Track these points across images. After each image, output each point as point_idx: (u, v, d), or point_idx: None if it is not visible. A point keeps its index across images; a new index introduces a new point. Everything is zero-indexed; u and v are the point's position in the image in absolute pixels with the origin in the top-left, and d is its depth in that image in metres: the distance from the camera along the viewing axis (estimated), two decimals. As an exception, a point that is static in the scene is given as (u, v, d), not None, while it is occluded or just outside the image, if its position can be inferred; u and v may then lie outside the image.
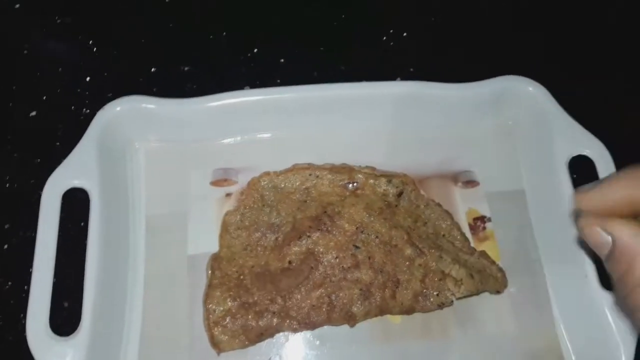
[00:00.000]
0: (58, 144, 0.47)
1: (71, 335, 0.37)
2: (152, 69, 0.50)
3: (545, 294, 0.43)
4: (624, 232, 0.27)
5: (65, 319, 0.38)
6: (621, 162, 0.43)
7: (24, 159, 0.46)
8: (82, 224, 0.42)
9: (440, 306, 0.41)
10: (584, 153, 0.44)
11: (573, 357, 0.41)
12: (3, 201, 0.45)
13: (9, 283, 0.42)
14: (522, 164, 0.47)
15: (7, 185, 0.45)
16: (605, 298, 0.39)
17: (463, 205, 0.46)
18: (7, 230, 0.44)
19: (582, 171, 0.44)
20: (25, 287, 0.39)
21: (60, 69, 0.50)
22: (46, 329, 0.36)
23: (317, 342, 0.41)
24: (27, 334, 0.36)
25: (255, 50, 0.52)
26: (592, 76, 0.52)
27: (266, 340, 0.40)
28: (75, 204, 0.41)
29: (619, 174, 0.29)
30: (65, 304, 0.40)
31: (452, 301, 0.41)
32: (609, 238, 0.27)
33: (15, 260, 0.42)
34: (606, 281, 0.40)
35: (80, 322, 0.37)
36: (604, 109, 0.49)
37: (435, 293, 0.41)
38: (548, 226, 0.44)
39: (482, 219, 0.45)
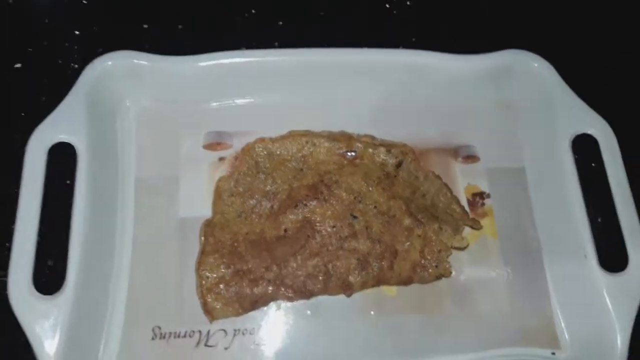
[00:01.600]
0: (44, 98, 0.44)
1: (55, 294, 0.35)
2: (145, 26, 0.48)
3: (541, 273, 0.43)
4: None
5: (49, 277, 0.36)
6: (625, 142, 0.42)
7: (7, 112, 0.44)
8: (68, 181, 0.39)
9: (439, 277, 0.40)
10: (588, 132, 0.43)
11: (566, 336, 0.41)
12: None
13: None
14: (524, 141, 0.46)
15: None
16: (604, 278, 0.39)
17: (462, 180, 0.45)
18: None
19: (584, 151, 0.43)
20: (7, 244, 0.36)
21: (46, 21, 0.48)
22: (29, 287, 0.34)
23: (310, 312, 0.40)
24: (9, 292, 0.34)
25: (253, 11, 0.50)
26: (599, 54, 0.52)
27: (259, 309, 0.39)
28: (62, 161, 0.39)
29: None
30: (50, 263, 0.38)
31: (451, 272, 0.40)
32: None
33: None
34: (605, 262, 0.40)
35: (65, 281, 0.35)
36: (610, 88, 0.48)
37: (434, 264, 0.40)
38: (548, 205, 0.44)
39: (482, 195, 0.44)
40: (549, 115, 0.44)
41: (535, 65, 0.45)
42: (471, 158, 0.45)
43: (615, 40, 0.53)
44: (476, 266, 0.42)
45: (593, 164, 0.43)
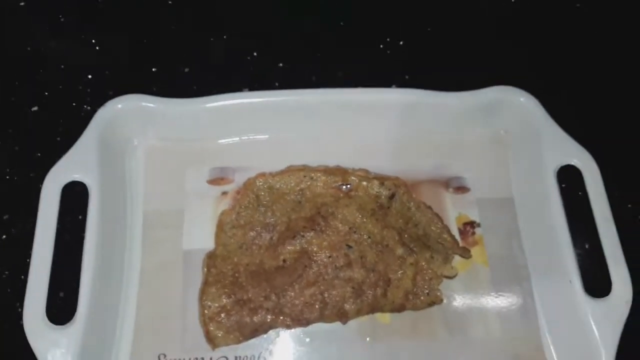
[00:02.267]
0: (59, 139, 0.47)
1: (67, 324, 0.37)
2: (153, 69, 0.51)
3: (531, 300, 0.44)
4: None
5: (61, 308, 0.38)
6: (608, 172, 0.44)
7: (24, 152, 0.47)
8: (80, 217, 0.42)
9: (431, 304, 0.42)
10: (572, 163, 0.45)
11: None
12: (3, 193, 0.46)
13: (6, 272, 0.43)
14: (512, 172, 0.48)
15: (8, 177, 0.46)
16: (588, 304, 0.40)
17: (453, 210, 0.47)
18: (6, 220, 0.45)
19: (570, 181, 0.45)
20: (22, 276, 0.39)
21: (62, 66, 0.51)
22: (43, 317, 0.37)
23: (308, 340, 0.41)
24: (24, 321, 0.36)
25: (255, 54, 0.53)
26: (583, 88, 0.54)
27: (259, 337, 0.41)
28: (74, 198, 0.41)
29: None
30: (62, 295, 0.41)
31: (442, 300, 0.42)
32: None
33: (13, 250, 0.43)
34: (590, 288, 0.41)
35: (76, 312, 0.37)
36: (593, 121, 0.51)
37: (426, 292, 0.42)
38: (535, 233, 0.46)
39: (472, 224, 0.46)
40: (536, 147, 0.46)
41: (522, 100, 0.47)
42: (462, 189, 0.48)
43: (597, 76, 0.55)
44: (468, 293, 0.44)
45: (580, 193, 0.45)
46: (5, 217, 0.45)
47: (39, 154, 0.47)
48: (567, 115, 0.47)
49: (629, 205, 0.49)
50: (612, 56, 0.56)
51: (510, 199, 0.48)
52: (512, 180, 0.48)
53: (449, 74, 0.51)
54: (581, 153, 0.45)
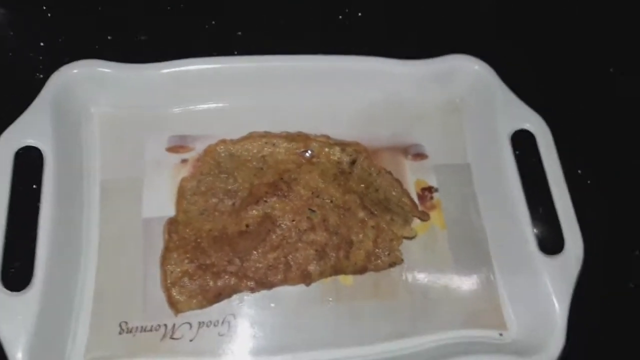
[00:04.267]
0: (10, 107, 0.45)
1: (23, 291, 0.36)
2: (109, 37, 0.50)
3: (487, 259, 0.45)
4: None
5: (16, 277, 0.37)
6: (559, 135, 0.46)
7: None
8: (34, 186, 0.41)
9: (392, 265, 0.43)
10: (525, 127, 0.47)
11: (513, 317, 0.43)
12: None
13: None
14: (467, 139, 0.50)
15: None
16: (542, 261, 0.42)
17: (412, 176, 0.48)
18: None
19: (524, 146, 0.47)
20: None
21: (11, 33, 0.49)
22: (-2, 285, 0.36)
23: (272, 304, 0.42)
24: (-22, 289, 0.35)
25: (213, 22, 0.52)
26: (537, 55, 0.56)
27: (222, 302, 0.41)
28: (29, 166, 0.40)
29: None
30: (17, 264, 0.39)
31: (402, 260, 0.43)
32: None
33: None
34: (543, 247, 0.43)
35: (32, 279, 0.36)
36: (546, 88, 0.53)
37: (386, 253, 0.43)
38: (491, 197, 0.47)
39: (430, 189, 0.47)
40: (490, 113, 0.48)
41: (476, 67, 0.48)
42: (420, 156, 0.48)
43: (550, 42, 0.57)
44: (426, 255, 0.45)
45: (533, 159, 0.46)
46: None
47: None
48: (521, 82, 0.48)
49: (579, 171, 0.51)
50: (564, 21, 0.58)
51: (466, 164, 0.49)
52: (467, 146, 0.50)
53: (406, 46, 0.52)
54: (534, 117, 0.47)
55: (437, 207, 0.47)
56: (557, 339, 0.40)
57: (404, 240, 0.44)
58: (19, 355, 0.34)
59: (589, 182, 0.51)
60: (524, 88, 0.48)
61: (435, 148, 0.49)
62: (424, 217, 0.45)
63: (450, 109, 0.50)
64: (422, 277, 0.44)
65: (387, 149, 0.48)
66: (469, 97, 0.50)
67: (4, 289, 0.36)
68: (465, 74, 0.49)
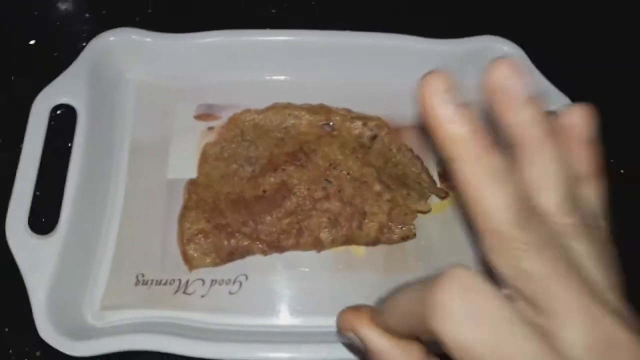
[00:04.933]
0: (55, 70, 0.48)
1: (48, 235, 0.38)
2: (149, 10, 0.53)
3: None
4: (373, 340, 0.26)
5: (43, 222, 0.40)
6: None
7: (20, 81, 0.49)
8: (69, 144, 0.43)
9: (404, 239, 0.43)
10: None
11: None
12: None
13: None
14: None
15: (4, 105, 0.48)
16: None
17: (436, 155, 0.48)
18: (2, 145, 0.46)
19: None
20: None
21: (59, 5, 0.53)
22: (25, 227, 0.38)
23: (283, 268, 0.42)
24: (7, 230, 0.38)
25: (249, -1, 0.54)
26: (572, 40, 0.55)
27: (235, 262, 0.42)
28: (65, 125, 0.43)
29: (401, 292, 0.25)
30: (46, 211, 0.42)
31: (415, 234, 0.43)
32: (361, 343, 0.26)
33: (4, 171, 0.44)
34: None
35: (57, 224, 0.39)
36: (579, 70, 0.51)
37: (399, 226, 0.43)
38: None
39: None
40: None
41: (506, 49, 0.48)
42: (445, 136, 0.48)
43: (584, 29, 0.56)
44: (443, 233, 0.44)
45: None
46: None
47: (33, 83, 0.48)
48: (553, 66, 0.47)
49: (611, 160, 0.49)
50: (601, 10, 0.57)
51: (492, 147, 0.48)
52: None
53: (434, 25, 0.51)
54: (563, 101, 0.46)
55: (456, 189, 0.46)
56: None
57: (422, 217, 0.44)
58: (40, 295, 0.37)
59: (622, 171, 0.49)
60: (556, 72, 0.47)
61: (460, 129, 0.49)
62: (442, 193, 0.45)
63: (478, 90, 0.50)
64: (436, 254, 0.44)
65: (412, 126, 0.48)
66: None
67: (31, 232, 0.38)
68: (497, 56, 0.48)
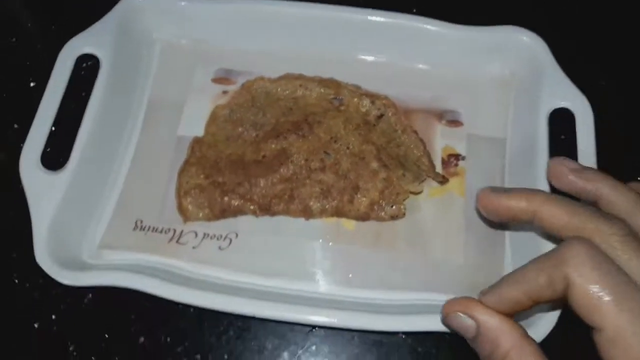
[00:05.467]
0: (85, 19, 0.51)
1: (58, 170, 0.42)
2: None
3: (501, 236, 0.44)
4: (486, 318, 0.31)
5: (54, 159, 0.43)
6: (603, 118, 0.44)
7: (53, 28, 0.53)
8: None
9: (394, 217, 0.43)
10: (566, 106, 0.45)
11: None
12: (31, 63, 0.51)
13: (15, 125, 0.48)
14: (510, 113, 0.48)
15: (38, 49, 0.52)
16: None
17: (441, 140, 0.47)
18: (33, 88, 0.50)
19: (558, 123, 0.45)
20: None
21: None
22: (37, 162, 0.42)
23: (273, 231, 0.44)
24: (20, 163, 0.41)
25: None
26: (593, 36, 0.53)
27: (228, 220, 0.44)
28: (90, 77, 0.46)
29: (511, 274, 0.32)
30: (59, 149, 0.44)
31: (404, 214, 0.43)
32: (473, 322, 0.31)
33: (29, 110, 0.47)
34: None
35: (67, 163, 0.42)
36: (600, 66, 0.50)
37: (390, 205, 0.43)
38: (519, 175, 0.45)
39: (457, 156, 0.47)
40: (536, 89, 0.46)
41: (530, 41, 0.47)
42: (455, 122, 0.48)
43: (611, 24, 0.54)
44: (438, 217, 0.44)
45: (562, 136, 0.44)
46: (32, 84, 0.50)
47: (65, 30, 0.50)
48: (572, 59, 0.46)
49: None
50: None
51: (502, 139, 0.47)
52: (508, 121, 0.48)
53: (456, 12, 0.51)
54: (577, 97, 0.45)
55: (459, 175, 0.46)
56: (549, 321, 0.38)
57: (417, 199, 0.45)
58: (43, 226, 0.40)
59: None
60: (574, 66, 0.46)
61: (472, 117, 0.48)
62: (439, 178, 0.45)
63: (499, 81, 0.49)
64: (427, 236, 0.44)
65: (422, 110, 0.48)
66: (518, 71, 0.48)
67: (42, 167, 0.42)
68: (517, 47, 0.47)
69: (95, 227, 0.44)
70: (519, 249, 0.43)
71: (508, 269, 0.43)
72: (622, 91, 0.51)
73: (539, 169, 0.43)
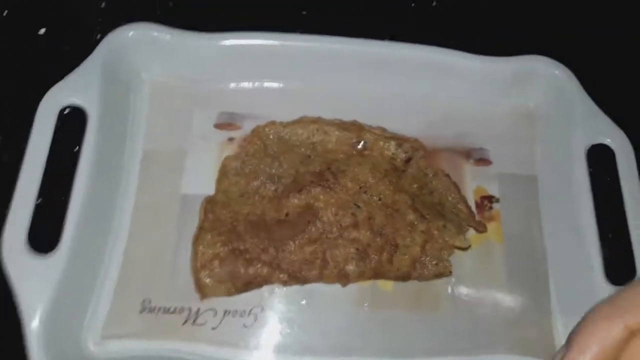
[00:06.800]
0: (66, 65, 0.44)
1: (48, 253, 0.35)
2: (170, 3, 0.49)
3: (545, 283, 0.41)
4: None
5: (44, 238, 0.36)
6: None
7: (26, 75, 0.45)
8: (77, 148, 0.39)
9: (438, 276, 0.39)
10: (605, 142, 0.42)
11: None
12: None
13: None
14: (538, 148, 0.46)
15: (6, 100, 0.44)
16: (608, 291, 0.37)
17: (472, 182, 0.44)
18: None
19: (600, 162, 0.42)
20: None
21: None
22: (23, 244, 0.34)
23: (303, 301, 0.39)
24: (3, 244, 0.34)
25: (281, -1, 0.50)
26: (621, 65, 0.51)
27: (251, 292, 0.38)
28: (73, 127, 0.39)
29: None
30: (48, 225, 0.38)
31: (451, 272, 0.39)
32: None
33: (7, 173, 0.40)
34: (612, 275, 0.38)
35: (60, 242, 0.35)
36: (630, 98, 0.47)
37: (434, 262, 0.39)
38: (557, 214, 0.43)
39: (490, 198, 0.43)
40: (566, 123, 0.44)
41: (556, 72, 0.44)
42: (483, 161, 0.45)
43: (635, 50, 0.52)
44: (478, 269, 0.41)
45: (608, 178, 0.42)
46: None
47: (40, 78, 0.44)
48: (604, 92, 0.44)
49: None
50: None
51: (533, 176, 0.45)
52: (537, 156, 0.45)
53: (481, 41, 0.48)
54: (616, 132, 0.42)
55: (495, 219, 0.43)
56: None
57: (456, 251, 0.41)
58: (35, 322, 0.33)
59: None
60: (607, 99, 0.43)
61: (501, 155, 0.45)
62: (481, 227, 0.41)
63: (523, 114, 0.46)
64: (470, 292, 0.40)
65: (447, 149, 0.45)
66: (545, 103, 0.45)
67: (30, 249, 0.34)
68: (544, 78, 0.45)
69: (97, 314, 0.37)
70: (563, 292, 0.41)
71: (556, 317, 0.40)
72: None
73: (581, 209, 0.41)
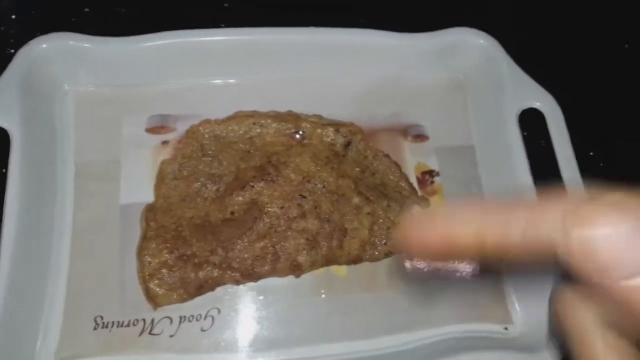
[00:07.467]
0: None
1: (-14, 285, 0.33)
2: (86, 9, 0.47)
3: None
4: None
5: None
6: (570, 115, 0.43)
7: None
8: (3, 170, 0.38)
9: (388, 255, 0.40)
10: (534, 106, 0.43)
11: (518, 311, 0.40)
12: None
13: None
14: (472, 118, 0.46)
15: None
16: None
17: (412, 159, 0.44)
18: None
19: (533, 127, 0.43)
20: None
21: (-20, 5, 0.46)
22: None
23: (260, 297, 0.39)
24: None
25: (199, -7, 0.49)
26: (543, 30, 0.52)
27: (206, 295, 0.38)
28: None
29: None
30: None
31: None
32: None
33: None
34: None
35: (-4, 268, 0.33)
36: (556, 63, 0.49)
37: (383, 242, 0.40)
38: (496, 180, 0.44)
39: (431, 173, 0.44)
40: (496, 91, 0.45)
41: (482, 41, 0.45)
42: (420, 137, 0.45)
43: (560, 16, 0.53)
44: (427, 244, 0.42)
45: (541, 140, 0.43)
46: None
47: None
48: (529, 58, 0.45)
49: (591, 153, 0.48)
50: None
51: (470, 146, 0.46)
52: (472, 127, 0.46)
53: (405, 19, 0.48)
54: (544, 96, 0.44)
55: (438, 192, 0.44)
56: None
57: (403, 228, 0.41)
58: (-19, 354, 0.32)
59: (601, 164, 0.47)
60: (532, 65, 0.45)
61: (437, 129, 0.46)
62: (423, 203, 0.42)
63: (453, 86, 0.47)
64: (421, 266, 0.41)
65: (385, 129, 0.45)
66: (473, 73, 0.46)
67: (-35, 281, 0.33)
68: (470, 49, 0.45)
69: (48, 337, 0.36)
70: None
71: (506, 282, 0.41)
72: (583, 85, 0.50)
73: (518, 173, 0.42)
